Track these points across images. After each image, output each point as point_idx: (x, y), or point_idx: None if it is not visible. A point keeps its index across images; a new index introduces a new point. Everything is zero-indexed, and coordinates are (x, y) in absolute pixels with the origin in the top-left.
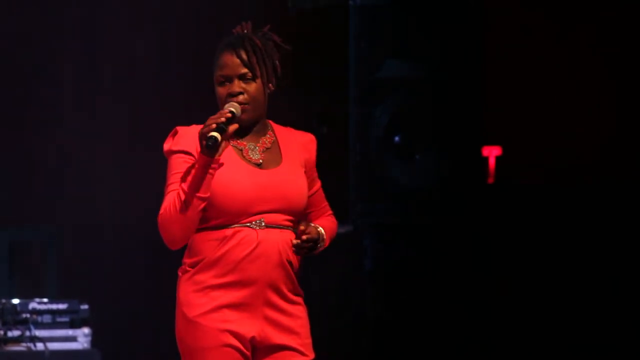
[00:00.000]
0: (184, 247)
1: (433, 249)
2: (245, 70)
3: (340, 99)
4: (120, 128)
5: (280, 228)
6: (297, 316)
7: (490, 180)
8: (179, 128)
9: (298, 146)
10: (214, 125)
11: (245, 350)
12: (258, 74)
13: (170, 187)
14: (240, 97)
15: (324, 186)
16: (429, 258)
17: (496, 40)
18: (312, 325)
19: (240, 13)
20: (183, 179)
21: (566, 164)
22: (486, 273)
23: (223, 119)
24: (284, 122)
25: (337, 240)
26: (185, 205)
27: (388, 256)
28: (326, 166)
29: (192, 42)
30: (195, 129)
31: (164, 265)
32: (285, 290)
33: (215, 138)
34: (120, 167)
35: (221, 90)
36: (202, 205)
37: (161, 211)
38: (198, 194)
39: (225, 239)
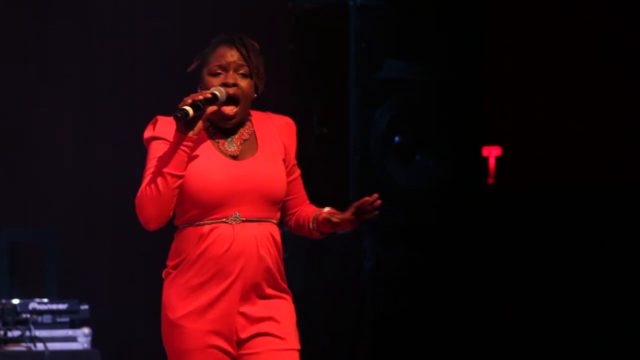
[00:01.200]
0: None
1: (433, 249)
2: (242, 63)
3: (340, 99)
4: (120, 128)
5: (259, 221)
6: (277, 307)
7: (491, 181)
8: (159, 117)
9: (274, 132)
10: (189, 101)
11: (230, 349)
12: (254, 71)
13: (147, 172)
14: (233, 90)
15: (324, 186)
16: (429, 258)
17: (496, 40)
18: (313, 326)
19: (240, 13)
20: (159, 160)
21: (566, 164)
22: (487, 273)
23: (201, 97)
24: None
25: (337, 241)
26: (160, 183)
27: (388, 257)
28: (326, 166)
29: (192, 42)
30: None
31: (164, 265)
32: (265, 285)
33: (186, 111)
34: (120, 167)
35: (213, 80)
36: (176, 183)
37: (138, 193)
38: (171, 171)
39: (202, 237)
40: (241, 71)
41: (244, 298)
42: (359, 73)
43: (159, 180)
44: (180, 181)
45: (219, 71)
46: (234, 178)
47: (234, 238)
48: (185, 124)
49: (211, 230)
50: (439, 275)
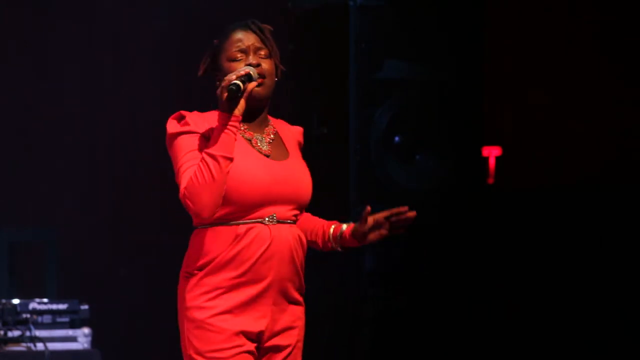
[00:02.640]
0: (185, 251)
1: (433, 249)
2: (261, 45)
3: (340, 99)
4: (121, 128)
5: (289, 223)
6: (298, 317)
7: (491, 181)
8: (183, 112)
9: (294, 139)
10: (234, 77)
11: (256, 352)
12: (274, 52)
13: (186, 165)
14: (258, 69)
15: (324, 186)
16: (429, 258)
17: (496, 40)
18: (311, 325)
19: (240, 13)
20: (204, 147)
21: (566, 164)
22: (486, 273)
23: (242, 73)
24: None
25: None
26: (213, 167)
27: (387, 257)
28: (326, 166)
29: (192, 42)
30: (199, 114)
31: (164, 265)
32: (292, 288)
33: (238, 85)
34: (120, 167)
35: (235, 65)
36: (228, 166)
37: (186, 184)
38: (224, 154)
39: (237, 238)
40: (261, 53)
41: (277, 302)
42: (359, 73)
43: (212, 164)
44: (231, 164)
45: (240, 56)
46: (275, 178)
47: (271, 240)
48: (230, 102)
49: (247, 230)
50: (438, 275)
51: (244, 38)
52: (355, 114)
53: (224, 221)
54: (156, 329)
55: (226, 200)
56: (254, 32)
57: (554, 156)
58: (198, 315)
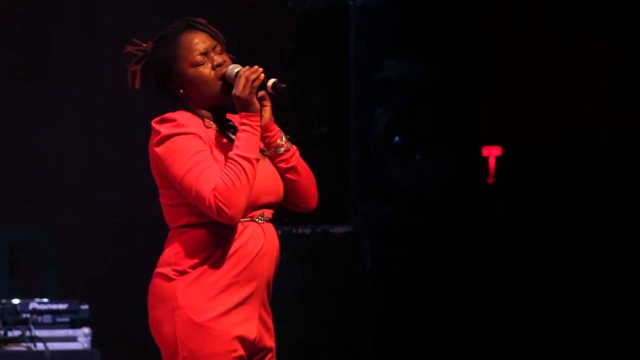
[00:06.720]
0: (162, 249)
1: (433, 249)
2: (213, 41)
3: (340, 99)
4: (120, 129)
5: (271, 222)
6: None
7: (490, 180)
8: (171, 115)
9: None
10: (263, 76)
11: (246, 355)
12: (224, 42)
13: (200, 166)
14: (225, 66)
15: (324, 186)
16: (429, 258)
17: (496, 40)
18: (312, 326)
19: (240, 13)
20: (229, 149)
21: (566, 164)
22: (487, 273)
23: (261, 71)
24: (284, 123)
25: (337, 240)
26: (248, 171)
27: (388, 257)
28: (326, 166)
29: None
30: (180, 115)
31: None
32: (272, 287)
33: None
34: (120, 167)
35: (203, 70)
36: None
37: (218, 188)
38: (256, 156)
39: (235, 235)
40: (217, 50)
41: (263, 302)
42: (359, 73)
43: (248, 167)
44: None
45: (202, 59)
46: (264, 177)
47: (265, 239)
48: (256, 103)
49: (244, 228)
50: (439, 275)
51: (199, 40)
52: (355, 114)
53: (215, 223)
54: None
55: None
56: (203, 31)
57: (554, 156)
58: (197, 316)
